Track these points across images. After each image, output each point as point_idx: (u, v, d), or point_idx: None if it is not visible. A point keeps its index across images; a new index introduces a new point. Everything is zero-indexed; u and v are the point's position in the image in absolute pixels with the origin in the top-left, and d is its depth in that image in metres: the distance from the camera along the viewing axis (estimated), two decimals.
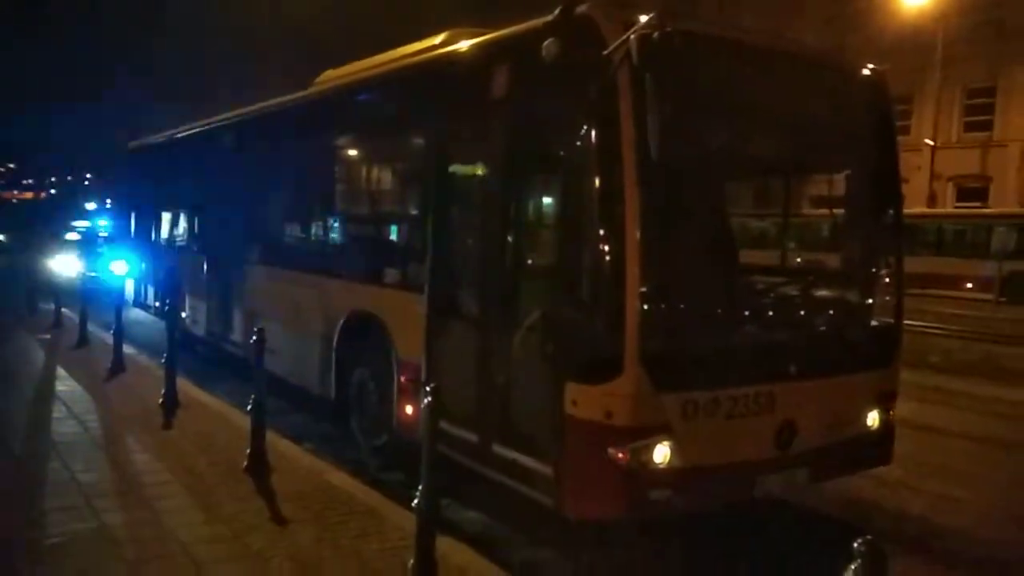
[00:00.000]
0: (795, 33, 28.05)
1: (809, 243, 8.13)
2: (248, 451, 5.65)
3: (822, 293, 5.73)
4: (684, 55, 4.03)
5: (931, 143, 28.74)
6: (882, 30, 28.09)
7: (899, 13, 28.26)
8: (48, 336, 11.61)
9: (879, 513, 5.84)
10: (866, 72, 5.43)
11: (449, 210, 5.71)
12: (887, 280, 5.58)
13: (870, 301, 5.62)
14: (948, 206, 29.44)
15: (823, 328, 5.50)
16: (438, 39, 6.54)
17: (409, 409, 5.86)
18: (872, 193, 5.55)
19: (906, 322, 5.52)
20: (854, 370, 5.18)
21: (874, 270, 5.67)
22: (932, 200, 28.71)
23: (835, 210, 5.90)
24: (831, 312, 5.67)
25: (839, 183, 5.76)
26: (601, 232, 4.20)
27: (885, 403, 5.31)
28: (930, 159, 28.77)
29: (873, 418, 5.25)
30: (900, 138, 5.99)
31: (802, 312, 5.50)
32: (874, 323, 5.57)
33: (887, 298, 5.56)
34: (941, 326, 14.14)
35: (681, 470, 4.26)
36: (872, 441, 5.28)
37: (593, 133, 4.23)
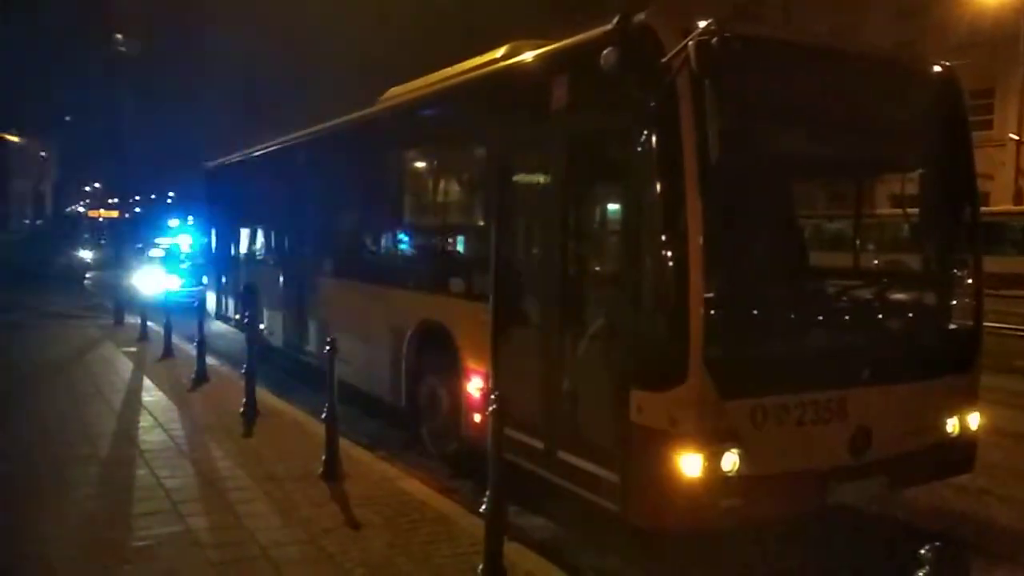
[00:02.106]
0: (867, 29, 27.30)
1: (883, 245, 7.93)
2: (323, 458, 5.83)
3: (896, 296, 5.59)
4: (743, 59, 4.01)
5: (1016, 138, 27.51)
6: (958, 23, 27.05)
7: (976, 4, 27.17)
8: (135, 349, 12.15)
9: (962, 522, 5.63)
10: (935, 68, 5.29)
11: (513, 220, 5.79)
12: (965, 282, 5.41)
13: (947, 304, 5.46)
14: None
15: (897, 332, 5.38)
16: (499, 52, 6.64)
17: (477, 417, 5.95)
18: (947, 192, 5.40)
19: (993, 324, 5.34)
20: (931, 375, 5.03)
21: (951, 271, 5.51)
22: (1020, 197, 27.43)
23: (909, 211, 5.75)
24: (906, 315, 5.53)
25: (912, 183, 5.62)
26: (663, 239, 4.20)
27: (966, 409, 5.15)
28: (1015, 154, 27.53)
29: (953, 424, 5.09)
30: (982, 133, 5.82)
31: (875, 315, 5.38)
32: (952, 326, 5.41)
33: (966, 300, 5.39)
34: None
35: (750, 478, 4.21)
36: (953, 448, 5.12)
37: (654, 140, 4.25)
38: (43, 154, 44.78)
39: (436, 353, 6.64)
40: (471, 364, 6.08)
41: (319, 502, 5.35)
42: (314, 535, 4.77)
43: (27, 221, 50.85)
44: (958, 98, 5.33)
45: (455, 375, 6.31)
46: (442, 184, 7.63)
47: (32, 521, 4.94)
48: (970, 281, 5.37)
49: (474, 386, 6.03)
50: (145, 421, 7.59)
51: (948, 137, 5.29)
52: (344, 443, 6.17)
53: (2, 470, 5.97)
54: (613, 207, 5.09)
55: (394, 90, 8.75)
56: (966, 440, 5.15)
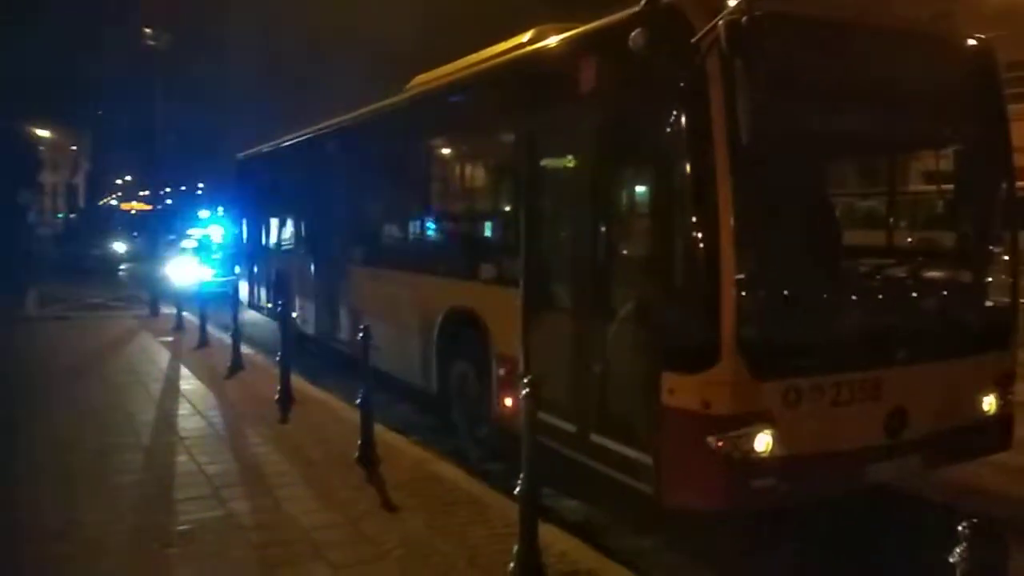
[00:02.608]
0: (898, 4, 26.68)
1: (918, 222, 7.83)
2: (359, 443, 5.92)
3: (931, 274, 5.54)
4: (774, 38, 3.99)
5: None
6: None
7: None
8: (171, 338, 12.38)
9: (999, 501, 5.58)
10: (969, 42, 5.21)
11: (542, 205, 5.80)
12: (1001, 258, 5.34)
13: (982, 281, 5.39)
14: None
15: (932, 310, 5.32)
16: (525, 37, 6.64)
17: (508, 401, 6.00)
18: (982, 168, 5.32)
19: None
20: (967, 353, 4.99)
21: (986, 248, 5.43)
22: None
23: (944, 187, 5.68)
24: (941, 294, 5.47)
25: (947, 159, 5.54)
26: (695, 220, 4.20)
27: (1002, 386, 5.11)
28: None
29: (990, 402, 5.05)
30: (1018, 106, 5.72)
31: (910, 294, 5.33)
32: (988, 304, 5.34)
33: (1001, 277, 5.32)
34: None
35: (785, 459, 4.22)
36: (989, 426, 5.09)
37: (684, 121, 4.23)
38: (74, 147, 45.46)
39: (466, 339, 6.70)
40: (502, 349, 6.13)
41: (356, 486, 5.45)
42: (352, 518, 4.86)
43: (60, 215, 51.74)
44: (993, 71, 5.24)
45: (486, 360, 6.36)
46: (471, 170, 7.66)
47: (80, 507, 5.09)
48: (1006, 258, 5.30)
49: (505, 370, 6.08)
50: (184, 409, 7.76)
51: (983, 111, 5.21)
52: (378, 428, 6.25)
53: (50, 457, 6.14)
54: (643, 189, 5.09)
55: (420, 77, 8.78)
56: (1003, 418, 5.12)
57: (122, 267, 30.87)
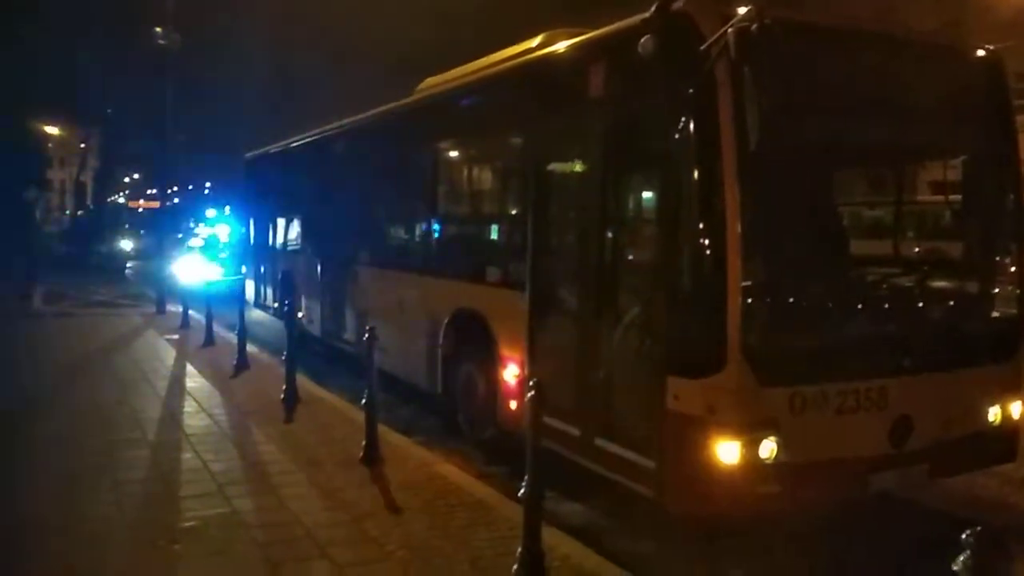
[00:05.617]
0: (907, 13, 26.69)
1: (924, 232, 7.83)
2: (363, 443, 5.94)
3: (938, 284, 5.53)
4: (783, 46, 3.99)
5: None
6: (1001, 3, 26.39)
7: None
8: (177, 336, 12.41)
9: (1004, 511, 5.58)
10: (979, 52, 5.21)
11: (549, 209, 5.82)
12: (1008, 269, 5.33)
13: (989, 292, 5.39)
14: None
15: (939, 320, 5.32)
16: (535, 41, 6.66)
17: (513, 404, 6.01)
18: (990, 178, 5.33)
19: None
20: (973, 364, 4.99)
21: (993, 259, 5.44)
22: None
23: (951, 197, 5.68)
24: (947, 304, 5.47)
25: (954, 169, 5.55)
26: (702, 226, 4.21)
27: (1008, 397, 5.10)
28: None
29: (995, 413, 5.04)
30: None
31: (916, 304, 5.33)
32: (994, 315, 5.34)
33: (1009, 288, 5.32)
34: None
35: (789, 466, 4.22)
36: (995, 437, 5.08)
37: (692, 127, 4.25)
38: (83, 145, 45.65)
39: (472, 341, 6.71)
40: (507, 352, 6.14)
41: (360, 485, 5.47)
42: (356, 517, 4.88)
43: (68, 212, 51.93)
44: (1002, 81, 5.25)
45: (491, 362, 6.38)
46: (478, 173, 7.69)
47: (86, 502, 5.11)
48: (1013, 269, 5.30)
49: (510, 373, 6.09)
50: (189, 407, 7.79)
51: (992, 121, 5.21)
52: (382, 429, 6.28)
53: (56, 453, 6.16)
54: (651, 195, 5.10)
55: (430, 80, 8.81)
56: (1008, 429, 5.11)
57: (129, 265, 30.99)
